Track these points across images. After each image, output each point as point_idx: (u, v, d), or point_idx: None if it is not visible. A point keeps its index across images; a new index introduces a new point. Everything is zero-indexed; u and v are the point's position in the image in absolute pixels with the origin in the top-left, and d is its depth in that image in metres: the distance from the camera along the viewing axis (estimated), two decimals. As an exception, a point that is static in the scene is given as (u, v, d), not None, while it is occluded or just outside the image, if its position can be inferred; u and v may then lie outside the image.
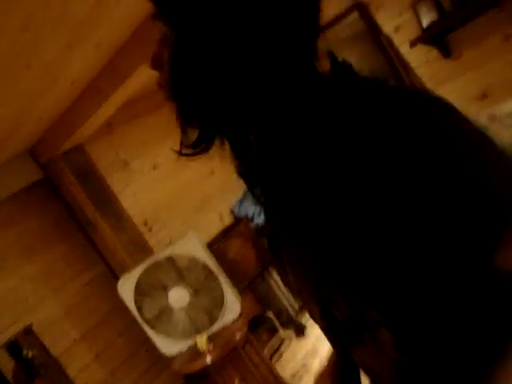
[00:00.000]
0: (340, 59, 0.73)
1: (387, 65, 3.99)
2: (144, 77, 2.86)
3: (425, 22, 3.84)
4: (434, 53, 3.92)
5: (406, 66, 4.02)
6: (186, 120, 0.76)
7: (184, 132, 0.76)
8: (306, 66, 0.72)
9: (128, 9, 2.28)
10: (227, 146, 0.76)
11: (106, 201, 3.51)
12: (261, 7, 0.67)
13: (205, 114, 0.74)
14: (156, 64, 0.76)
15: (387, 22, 4.02)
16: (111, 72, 2.73)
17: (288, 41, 0.69)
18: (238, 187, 4.47)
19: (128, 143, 4.03)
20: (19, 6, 1.68)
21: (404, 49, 4.01)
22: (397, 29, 3.97)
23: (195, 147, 0.76)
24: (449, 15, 3.74)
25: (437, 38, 3.83)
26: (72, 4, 1.91)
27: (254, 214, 4.29)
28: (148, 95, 3.98)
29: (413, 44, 3.85)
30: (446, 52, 3.90)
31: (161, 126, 4.08)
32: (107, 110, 3.06)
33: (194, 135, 0.75)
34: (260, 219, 4.27)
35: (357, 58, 3.94)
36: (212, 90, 0.71)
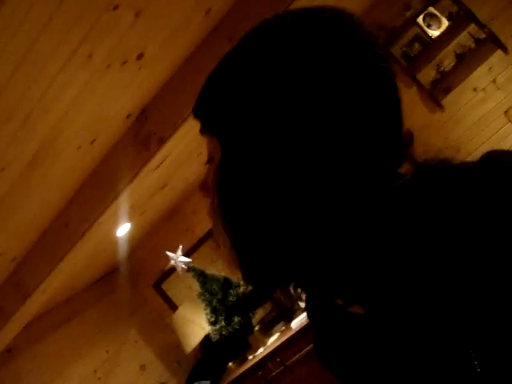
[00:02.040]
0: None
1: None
2: (51, 290, 2.64)
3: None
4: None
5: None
6: (240, 254, 0.62)
7: (241, 263, 0.62)
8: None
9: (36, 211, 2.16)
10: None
11: None
12: (339, 122, 0.53)
13: (261, 254, 0.60)
14: (204, 188, 0.65)
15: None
16: (14, 287, 2.48)
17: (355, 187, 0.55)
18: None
19: (32, 371, 3.56)
20: None
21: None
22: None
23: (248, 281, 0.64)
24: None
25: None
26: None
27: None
28: (51, 312, 3.66)
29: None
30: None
31: (69, 346, 3.74)
32: (9, 332, 2.74)
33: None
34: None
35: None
36: (269, 222, 0.57)
